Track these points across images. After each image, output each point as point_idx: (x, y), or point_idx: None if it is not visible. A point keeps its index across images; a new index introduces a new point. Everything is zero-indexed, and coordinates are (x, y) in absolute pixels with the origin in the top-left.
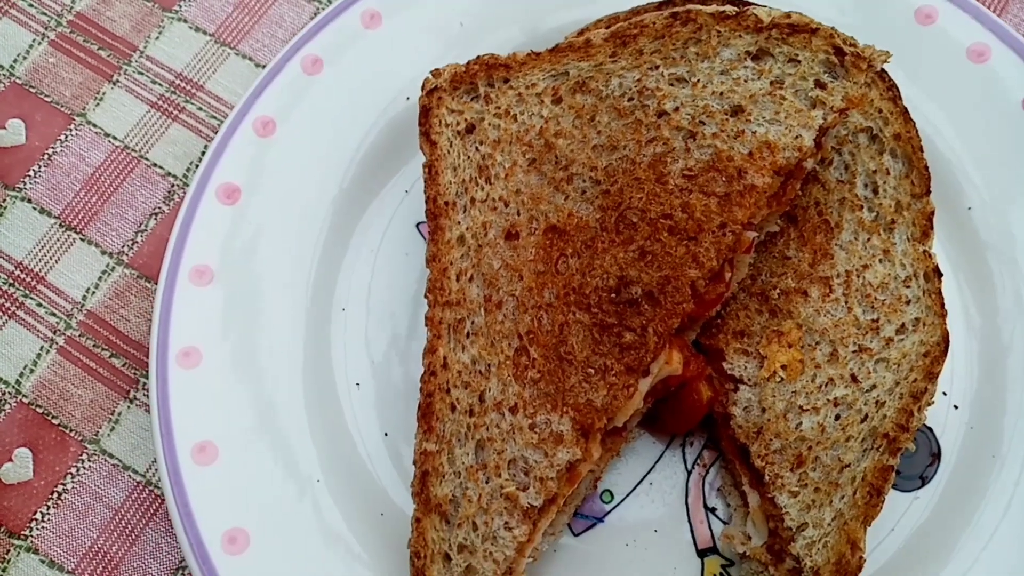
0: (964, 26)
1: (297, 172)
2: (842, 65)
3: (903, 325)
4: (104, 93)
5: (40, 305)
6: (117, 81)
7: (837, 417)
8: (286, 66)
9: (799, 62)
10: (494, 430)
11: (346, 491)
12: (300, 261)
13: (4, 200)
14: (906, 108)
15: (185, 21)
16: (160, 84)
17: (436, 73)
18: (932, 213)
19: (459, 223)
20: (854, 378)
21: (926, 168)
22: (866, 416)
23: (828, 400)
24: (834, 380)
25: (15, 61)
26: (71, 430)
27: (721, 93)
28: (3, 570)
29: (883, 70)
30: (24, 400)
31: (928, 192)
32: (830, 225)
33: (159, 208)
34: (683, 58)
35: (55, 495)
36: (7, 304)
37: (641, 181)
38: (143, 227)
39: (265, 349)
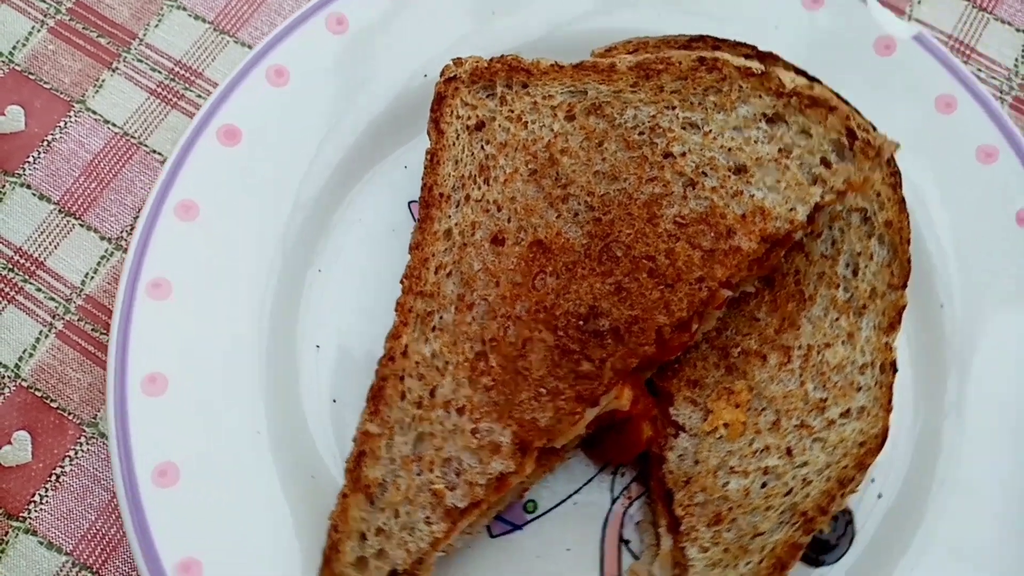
0: (979, 123)
1: (301, 125)
2: (851, 148)
3: (848, 410)
4: (103, 80)
5: (39, 290)
6: (116, 68)
7: (763, 485)
8: (309, 20)
9: (811, 136)
10: (437, 426)
11: (284, 447)
12: (284, 210)
13: (3, 186)
14: (904, 198)
15: (184, 9)
16: (159, 71)
17: (458, 62)
18: (903, 307)
19: (449, 217)
20: (789, 452)
21: (908, 261)
22: (791, 490)
23: (759, 467)
24: (770, 449)
25: (14, 48)
26: (70, 413)
27: (729, 148)
28: (2, 551)
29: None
30: (23, 384)
31: (904, 286)
32: (804, 296)
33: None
34: (700, 104)
35: (53, 477)
36: (6, 289)
37: (633, 217)
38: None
39: (235, 286)
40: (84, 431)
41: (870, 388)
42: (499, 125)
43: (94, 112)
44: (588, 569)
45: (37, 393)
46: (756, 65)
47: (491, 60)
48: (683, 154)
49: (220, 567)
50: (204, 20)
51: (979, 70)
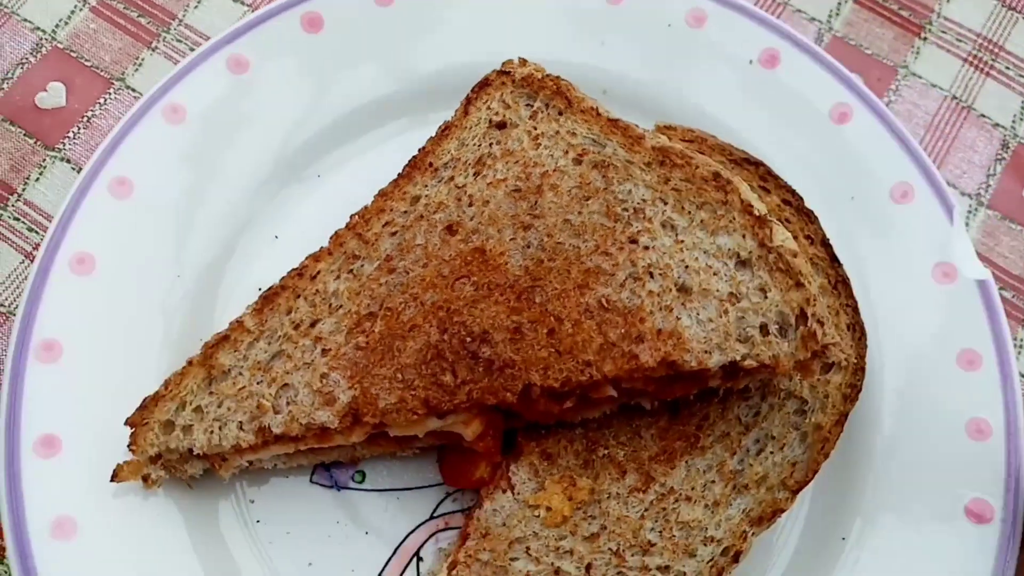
0: None
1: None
2: (795, 329)
3: (668, 568)
4: (143, 59)
5: None
6: (156, 47)
7: None
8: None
9: (766, 297)
10: (298, 353)
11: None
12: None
13: (44, 160)
14: (846, 416)
15: None
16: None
17: (522, 62)
18: (783, 511)
19: (426, 186)
20: (588, 568)
21: (814, 473)
22: None
23: (552, 565)
24: (572, 555)
25: (57, 26)
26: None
27: (688, 266)
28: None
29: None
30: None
31: (797, 492)
32: (697, 443)
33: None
34: (690, 213)
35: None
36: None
37: (569, 276)
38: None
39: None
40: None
41: (703, 562)
42: (517, 134)
43: (134, 90)
44: (371, 562)
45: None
46: (759, 208)
47: (546, 76)
48: (646, 248)
49: None
50: (243, 2)
51: (1007, 68)
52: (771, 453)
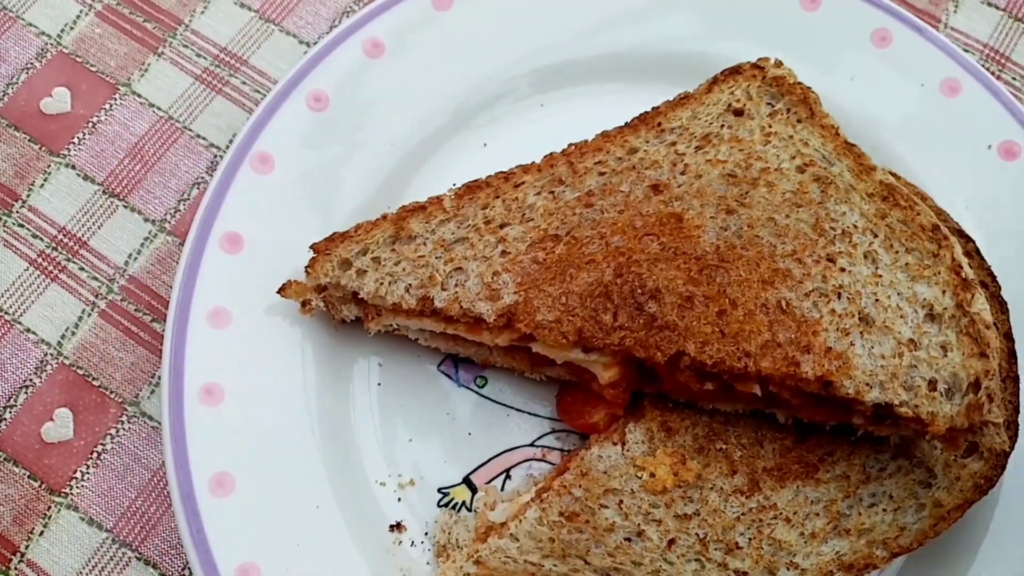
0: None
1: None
2: (965, 394)
3: (743, 574)
4: (149, 65)
5: (82, 269)
6: (162, 53)
7: (627, 539)
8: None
9: (946, 355)
10: (480, 245)
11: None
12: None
13: (49, 166)
14: (972, 503)
15: None
16: (204, 57)
17: (777, 64)
18: (874, 569)
19: (647, 142)
20: (671, 543)
21: (920, 545)
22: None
23: (636, 525)
24: (659, 523)
25: (62, 31)
26: (111, 392)
27: (877, 300)
28: (44, 526)
29: None
30: (65, 362)
31: (894, 556)
32: (814, 474)
33: (201, 178)
34: (897, 254)
35: (95, 455)
36: (49, 267)
37: (757, 269)
38: (186, 196)
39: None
40: (125, 410)
41: None
42: (751, 126)
43: (139, 95)
44: (464, 461)
45: (79, 371)
46: (968, 272)
47: (797, 83)
48: (843, 269)
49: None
50: (250, 8)
51: (1014, 79)
52: (883, 510)
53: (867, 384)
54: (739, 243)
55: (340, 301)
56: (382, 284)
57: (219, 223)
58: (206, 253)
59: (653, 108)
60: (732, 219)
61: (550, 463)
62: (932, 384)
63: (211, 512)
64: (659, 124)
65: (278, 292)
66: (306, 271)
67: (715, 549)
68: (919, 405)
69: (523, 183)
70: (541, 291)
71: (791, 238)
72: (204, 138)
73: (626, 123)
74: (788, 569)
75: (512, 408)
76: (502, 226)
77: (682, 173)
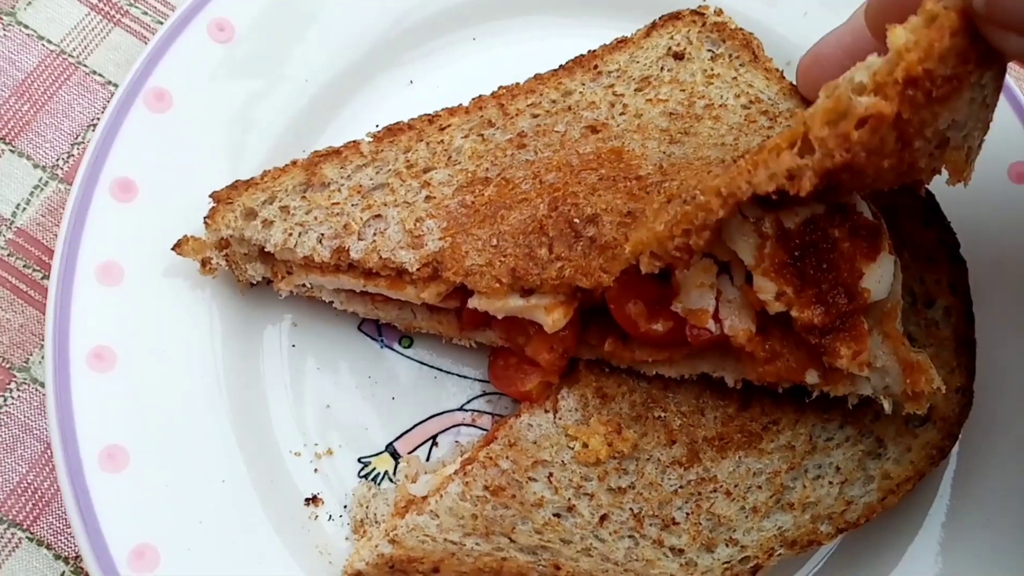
0: None
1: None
2: None
3: (679, 551)
4: None
5: None
6: None
7: (556, 515)
8: None
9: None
10: (402, 190)
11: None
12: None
13: None
14: (923, 475)
15: None
16: None
17: (718, 12)
18: (819, 545)
19: (583, 84)
20: (603, 519)
21: (867, 520)
22: (567, 542)
23: (566, 500)
24: (590, 497)
25: None
26: None
27: None
28: None
29: None
30: None
31: (840, 532)
32: (756, 444)
33: (98, 119)
34: None
35: None
36: None
37: (708, 174)
38: (80, 139)
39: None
40: (14, 376)
41: (718, 561)
42: (692, 68)
43: (26, 27)
44: (388, 427)
45: None
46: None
47: (738, 28)
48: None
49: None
50: None
51: None
52: (829, 483)
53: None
54: (684, 162)
55: (245, 259)
56: (291, 235)
57: (109, 167)
58: (94, 201)
59: (589, 51)
60: (676, 147)
61: (480, 428)
62: None
63: (101, 489)
64: (595, 67)
65: (173, 249)
66: (205, 223)
67: (650, 525)
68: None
69: (449, 126)
70: (470, 235)
71: (741, 153)
72: (100, 75)
73: (560, 66)
74: (727, 546)
75: (440, 370)
76: (426, 170)
77: (621, 113)
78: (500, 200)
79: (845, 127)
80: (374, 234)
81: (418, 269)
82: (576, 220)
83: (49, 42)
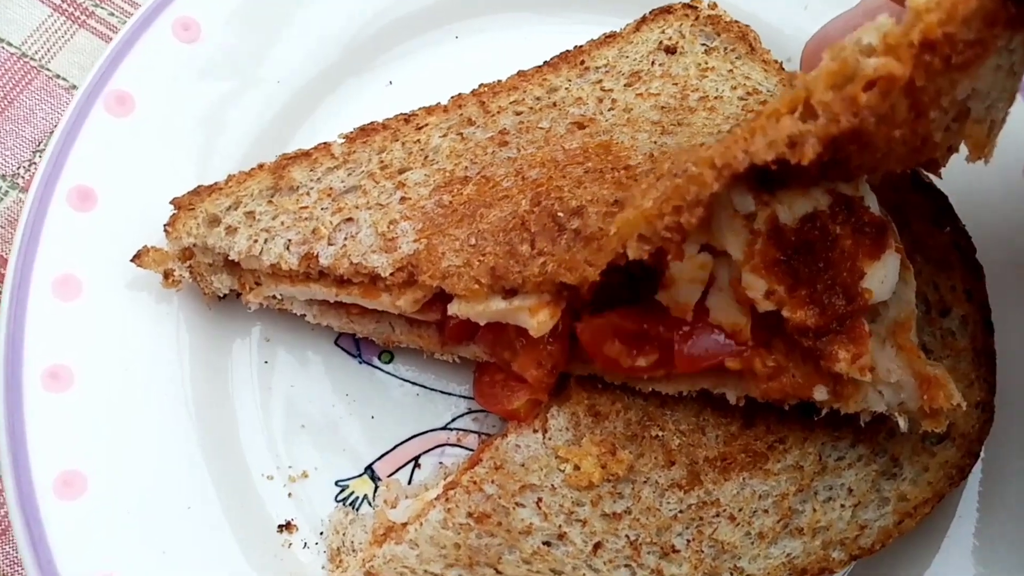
0: None
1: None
2: None
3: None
4: None
5: None
6: None
7: (547, 544)
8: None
9: None
10: (375, 192)
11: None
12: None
13: None
14: (942, 496)
15: None
16: None
17: (712, 5)
18: (831, 574)
19: (569, 81)
20: (595, 547)
21: (882, 546)
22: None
23: (557, 527)
24: (583, 524)
25: None
26: None
27: None
28: None
29: None
30: None
31: (853, 560)
32: (762, 464)
33: None
34: None
35: None
36: None
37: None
38: (42, 147)
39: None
40: None
41: None
42: (685, 63)
43: None
44: (366, 449)
45: None
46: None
47: (733, 20)
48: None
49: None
50: None
51: None
52: (841, 506)
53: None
54: (677, 151)
55: (210, 270)
56: (256, 241)
57: (67, 175)
58: (51, 210)
59: (575, 47)
60: (668, 138)
61: (467, 448)
62: None
63: (56, 518)
64: (582, 62)
65: (132, 261)
66: (165, 231)
67: (648, 553)
68: None
69: (427, 125)
70: (446, 235)
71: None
72: (64, 79)
73: (545, 62)
74: (732, 574)
75: (422, 387)
76: (401, 171)
77: (610, 109)
78: (480, 199)
79: (852, 90)
80: (345, 238)
81: (392, 274)
82: (560, 213)
83: (10, 44)
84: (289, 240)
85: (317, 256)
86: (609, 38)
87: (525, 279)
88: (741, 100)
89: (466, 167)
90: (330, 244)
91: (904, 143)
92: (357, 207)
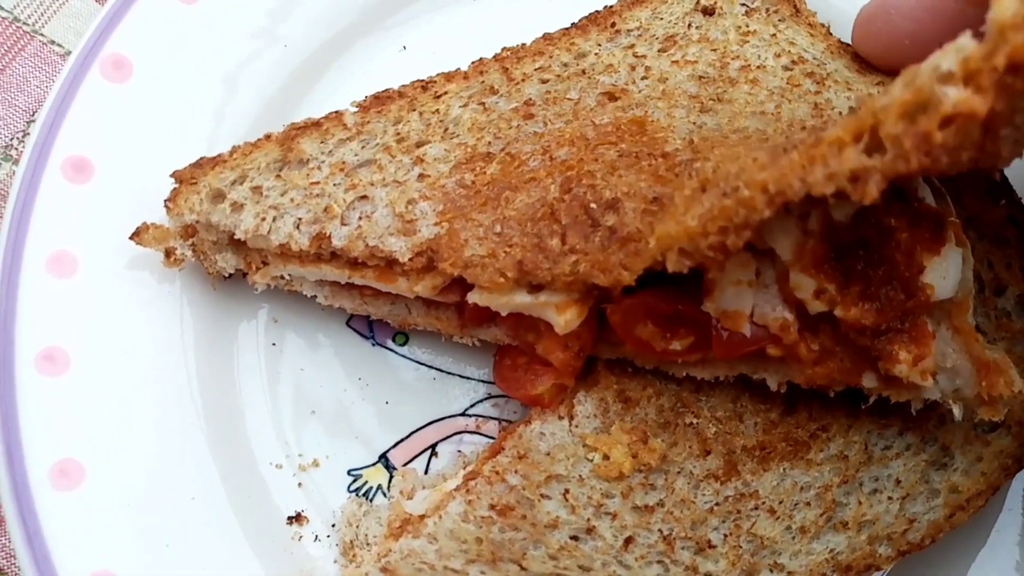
0: None
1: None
2: None
3: (705, 574)
4: None
5: None
6: None
7: (575, 538)
8: None
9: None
10: (392, 167)
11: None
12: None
13: None
14: (996, 488)
15: None
16: None
17: None
18: (877, 571)
19: (599, 45)
20: (626, 542)
21: (932, 541)
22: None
23: (585, 520)
24: (613, 517)
25: None
26: None
27: None
28: None
29: None
30: None
31: (901, 555)
32: (804, 454)
33: None
34: None
35: None
36: None
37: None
38: (36, 116)
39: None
40: None
41: None
42: (724, 25)
43: None
44: (380, 437)
45: None
46: None
47: None
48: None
49: None
50: None
51: None
52: (888, 499)
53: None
54: (718, 136)
55: (213, 248)
56: (264, 220)
57: (61, 144)
58: (44, 182)
59: (605, 7)
60: (708, 117)
61: (486, 436)
62: None
63: (52, 509)
64: (613, 25)
65: (131, 238)
66: (166, 207)
67: (682, 548)
68: None
69: (446, 93)
70: (469, 220)
71: (785, 124)
72: (59, 44)
73: (573, 24)
74: (772, 571)
75: (439, 370)
76: (419, 144)
77: (643, 78)
78: (504, 180)
79: (926, 125)
80: (359, 218)
81: (410, 259)
82: (593, 205)
83: (1, 9)
84: (299, 219)
85: (330, 237)
86: None
87: (555, 277)
88: (786, 70)
89: (489, 142)
90: (343, 224)
91: (968, 162)
92: (372, 184)
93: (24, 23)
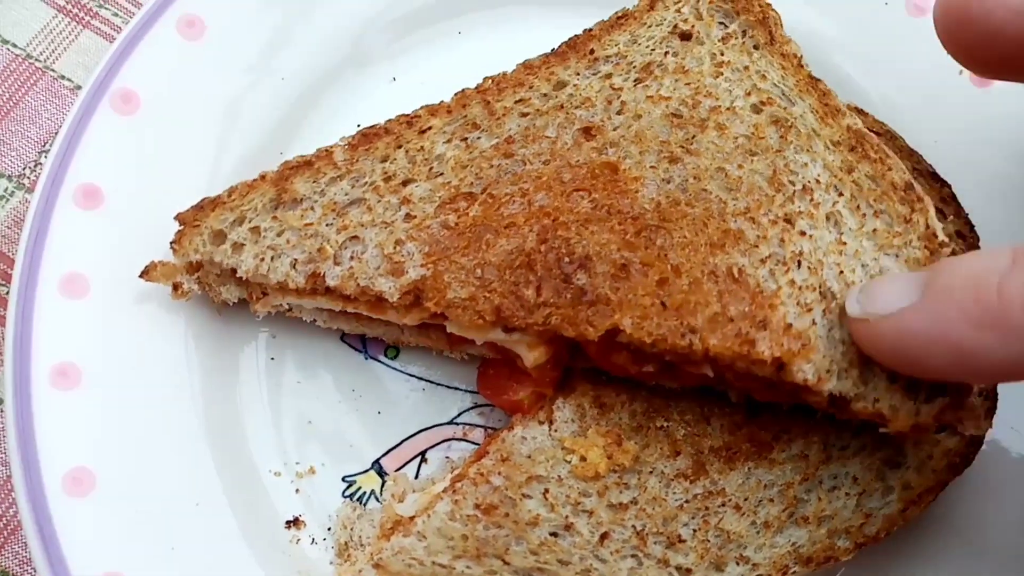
0: None
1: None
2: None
3: (687, 571)
4: None
5: None
6: None
7: (554, 534)
8: None
9: None
10: (379, 208)
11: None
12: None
13: None
14: (945, 484)
15: None
16: None
17: None
18: (836, 562)
19: (577, 75)
20: (601, 537)
21: (887, 534)
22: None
23: (563, 518)
24: (589, 515)
25: None
26: None
27: (841, 272)
28: None
29: None
30: None
31: (859, 548)
32: (767, 454)
33: None
34: (864, 217)
35: None
36: None
37: (705, 230)
38: (47, 147)
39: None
40: None
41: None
42: (700, 53)
43: None
44: (373, 444)
45: None
46: (943, 238)
47: (759, 1)
48: (803, 233)
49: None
50: None
51: None
52: (846, 495)
53: (827, 371)
54: (683, 198)
55: (218, 281)
56: (263, 260)
57: (73, 173)
58: (58, 208)
59: (585, 31)
60: (676, 169)
61: (472, 443)
62: (894, 377)
63: (66, 515)
64: (592, 51)
65: (141, 276)
66: (172, 248)
67: (655, 543)
68: (880, 400)
69: (430, 128)
70: (452, 263)
71: (744, 193)
72: (69, 79)
73: (553, 50)
74: (738, 564)
75: (428, 382)
76: (405, 183)
77: (618, 113)
78: (486, 222)
79: None
80: (351, 258)
81: (398, 299)
82: (567, 259)
83: (15, 46)
84: (295, 259)
85: (324, 276)
86: (621, 19)
87: (528, 325)
88: (754, 112)
89: (471, 182)
90: (336, 264)
91: None
92: (362, 224)
93: (36, 59)
